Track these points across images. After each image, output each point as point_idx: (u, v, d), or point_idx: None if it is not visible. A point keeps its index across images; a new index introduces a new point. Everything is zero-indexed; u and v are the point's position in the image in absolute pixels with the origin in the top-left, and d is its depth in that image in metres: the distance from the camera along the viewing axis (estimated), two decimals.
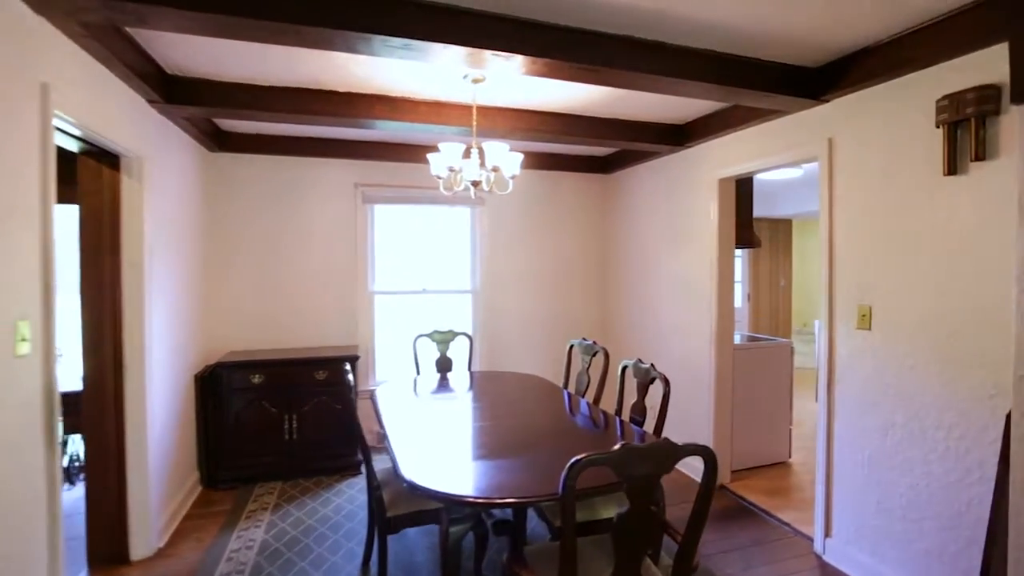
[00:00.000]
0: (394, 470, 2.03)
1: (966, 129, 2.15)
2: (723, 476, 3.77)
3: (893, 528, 2.50)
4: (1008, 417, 1.85)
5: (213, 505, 3.45)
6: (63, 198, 2.75)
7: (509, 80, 2.94)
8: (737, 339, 4.11)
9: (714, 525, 3.15)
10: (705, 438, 3.80)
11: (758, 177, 5.58)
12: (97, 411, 2.69)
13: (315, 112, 3.09)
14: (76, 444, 3.76)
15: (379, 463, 2.72)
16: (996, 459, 2.06)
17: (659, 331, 4.38)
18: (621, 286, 4.95)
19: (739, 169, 3.49)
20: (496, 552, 2.80)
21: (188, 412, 3.55)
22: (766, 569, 2.73)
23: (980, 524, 2.12)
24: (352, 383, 2.62)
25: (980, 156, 2.09)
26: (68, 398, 3.17)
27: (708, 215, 3.78)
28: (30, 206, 1.84)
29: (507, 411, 2.80)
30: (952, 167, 2.20)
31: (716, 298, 3.73)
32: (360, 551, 2.86)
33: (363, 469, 3.68)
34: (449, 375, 3.75)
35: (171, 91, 2.85)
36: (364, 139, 4.28)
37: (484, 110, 3.37)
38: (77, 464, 3.77)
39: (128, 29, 2.30)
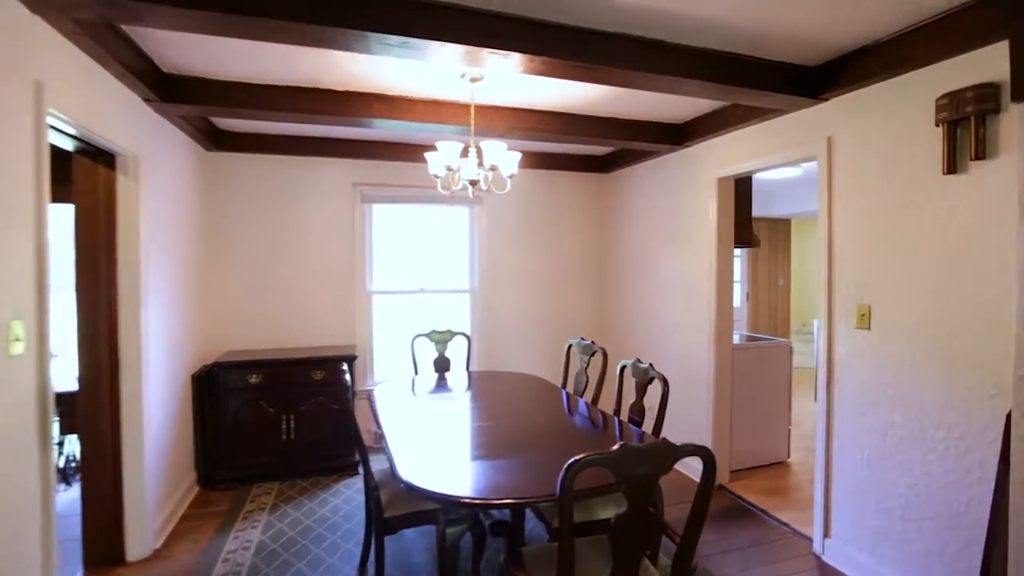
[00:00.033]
0: (391, 470, 2.01)
1: (966, 128, 2.14)
2: (722, 476, 3.76)
3: (892, 528, 2.49)
4: (1008, 417, 1.84)
5: (210, 506, 3.44)
6: (59, 197, 2.74)
7: (507, 79, 2.93)
8: (736, 339, 4.10)
9: (713, 525, 3.14)
10: (704, 438, 3.79)
11: (757, 177, 5.57)
12: (93, 411, 2.68)
13: (313, 111, 3.07)
14: (73, 445, 3.74)
15: (377, 463, 2.71)
16: (996, 459, 2.05)
17: (658, 331, 4.37)
18: (620, 286, 4.94)
19: (738, 168, 3.48)
20: (494, 553, 2.79)
21: (185, 412, 3.54)
22: (765, 570, 2.72)
23: (980, 524, 2.11)
24: (349, 383, 2.61)
25: (980, 155, 2.09)
26: (65, 398, 3.19)
27: (707, 214, 3.77)
28: (24, 205, 1.82)
29: (505, 411, 2.79)
30: (952, 166, 2.19)
31: (715, 298, 3.72)
32: (358, 552, 2.85)
33: (361, 469, 3.67)
34: (447, 375, 3.74)
35: (167, 89, 2.84)
36: (362, 138, 4.27)
37: (482, 109, 3.36)
38: (74, 465, 3.75)
39: (123, 27, 2.29)
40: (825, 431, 2.84)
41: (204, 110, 3.01)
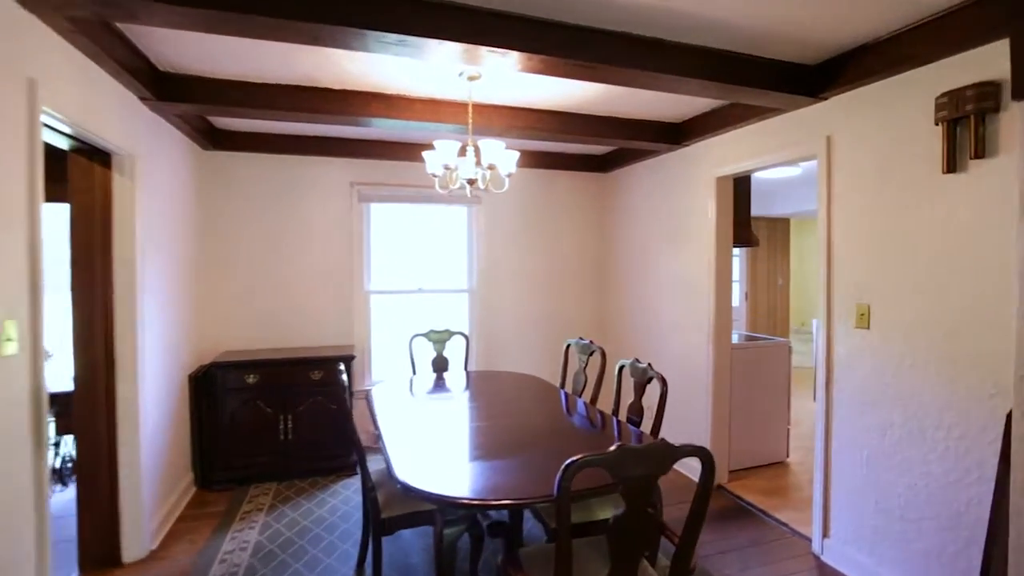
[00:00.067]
0: (388, 471, 2.00)
1: (965, 126, 2.13)
2: (721, 476, 3.75)
3: (892, 528, 2.48)
4: (1008, 416, 1.83)
5: (207, 506, 3.42)
6: (55, 196, 2.73)
7: (505, 77, 2.92)
8: (735, 338, 4.09)
9: (711, 525, 3.13)
10: (703, 438, 3.78)
11: (756, 176, 5.57)
12: (88, 411, 2.67)
13: (310, 110, 3.06)
14: (69, 445, 3.73)
15: (374, 464, 2.70)
16: (995, 459, 2.04)
17: (656, 330, 4.36)
18: (618, 285, 4.93)
19: (737, 168, 3.47)
20: (492, 553, 2.78)
21: (182, 412, 3.52)
22: (764, 570, 2.71)
23: (979, 524, 2.11)
24: (346, 383, 2.60)
25: (979, 154, 2.08)
26: (61, 399, 3.17)
27: (706, 214, 3.76)
28: (17, 204, 1.81)
29: (503, 411, 2.78)
30: (951, 165, 2.18)
31: (714, 297, 3.71)
32: (355, 552, 2.83)
33: (359, 470, 3.66)
34: (445, 375, 3.72)
35: (163, 88, 2.82)
36: (360, 137, 4.26)
37: (480, 108, 3.35)
38: (70, 465, 3.73)
39: (118, 25, 2.28)
40: (824, 431, 2.83)
41: (201, 109, 2.99)
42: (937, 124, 2.22)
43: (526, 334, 4.96)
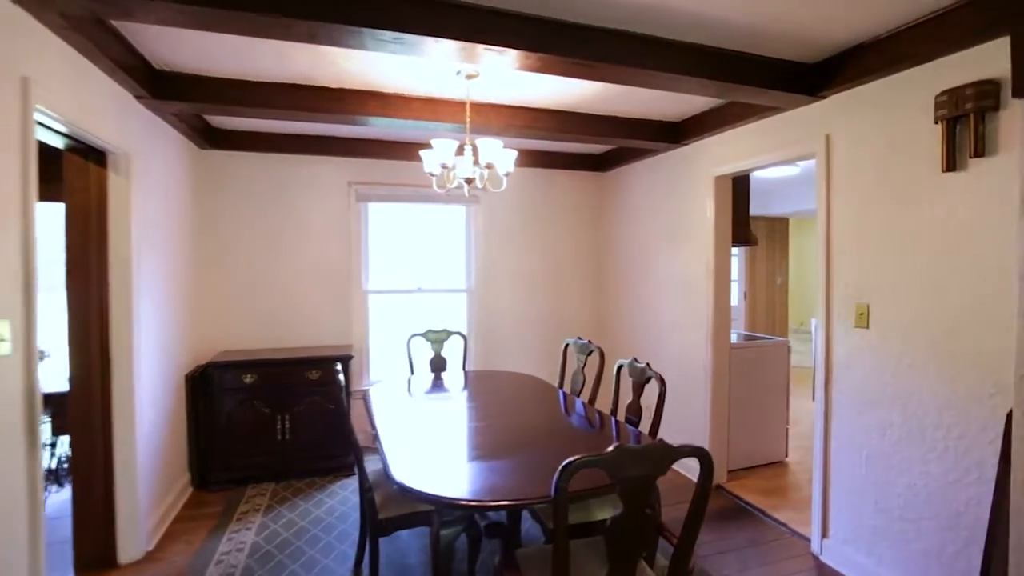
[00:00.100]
0: (385, 471, 1.99)
1: (965, 125, 2.12)
2: (719, 476, 3.74)
3: (891, 528, 2.47)
4: (1009, 416, 1.82)
5: (204, 507, 3.41)
6: (50, 196, 2.72)
7: (503, 76, 2.90)
8: (734, 338, 4.08)
9: (710, 525, 3.13)
10: (701, 437, 3.77)
11: (755, 175, 5.55)
12: (84, 411, 2.65)
13: (307, 109, 3.04)
14: (65, 446, 3.71)
15: (372, 464, 2.68)
16: (995, 459, 2.03)
17: (655, 330, 4.35)
18: (617, 285, 4.92)
19: (736, 167, 3.46)
20: (490, 554, 2.76)
21: (179, 412, 3.51)
22: (763, 570, 2.70)
23: (979, 524, 2.10)
24: (342, 383, 2.58)
25: (979, 152, 2.07)
26: (57, 399, 3.15)
27: (704, 213, 3.75)
28: (10, 203, 1.79)
29: (501, 411, 2.76)
30: (951, 163, 2.17)
31: (712, 297, 3.70)
32: (352, 553, 2.82)
33: (356, 470, 3.64)
34: (443, 375, 3.71)
35: (159, 86, 2.80)
36: (357, 136, 4.24)
37: (478, 106, 3.34)
38: (66, 466, 3.72)
39: (113, 22, 2.26)
40: (823, 431, 2.82)
41: (197, 107, 2.97)
42: (936, 123, 2.21)
43: (524, 334, 4.94)
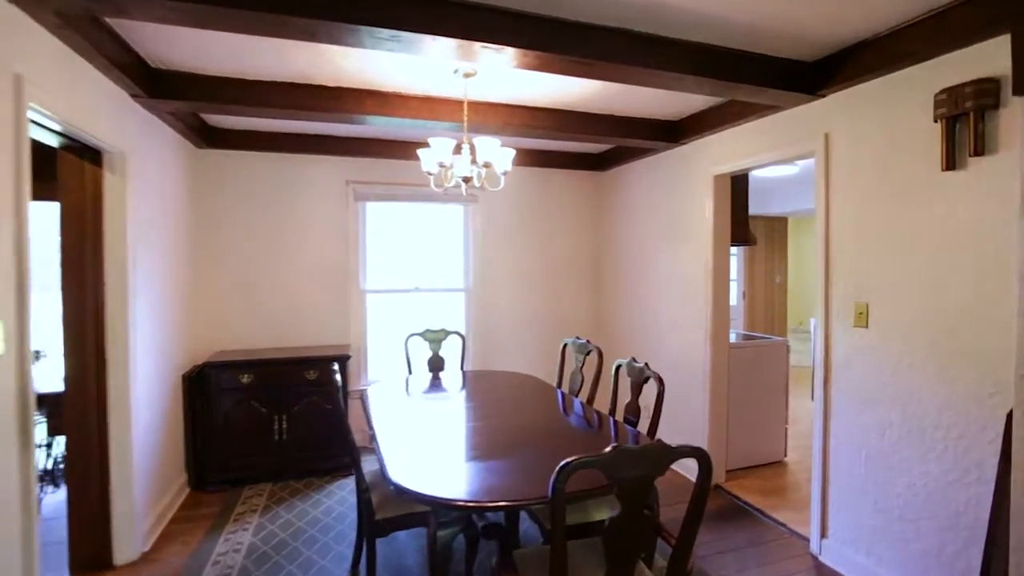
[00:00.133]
0: (382, 472, 1.98)
1: (965, 123, 2.11)
2: (718, 475, 3.73)
3: (890, 528, 2.46)
4: (1009, 416, 1.81)
5: (201, 507, 3.39)
6: (46, 195, 2.70)
7: (501, 74, 2.89)
8: (733, 337, 4.07)
9: (709, 526, 3.12)
10: (700, 437, 3.76)
11: (754, 175, 5.55)
12: (79, 412, 2.63)
13: (305, 107, 3.03)
14: (62, 446, 3.69)
15: (369, 464, 2.67)
16: (995, 459, 2.02)
17: (654, 330, 4.34)
18: (615, 284, 4.91)
19: (734, 166, 3.45)
20: (488, 555, 2.75)
21: (175, 412, 3.49)
22: (762, 570, 2.69)
23: (979, 525, 2.09)
24: (339, 383, 2.57)
25: (979, 151, 2.06)
26: (53, 399, 3.13)
27: (703, 212, 3.74)
28: (3, 202, 1.78)
29: (499, 411, 2.75)
30: (950, 162, 2.16)
31: (711, 296, 3.69)
32: (350, 554, 2.81)
33: (354, 470, 3.63)
34: (441, 374, 3.70)
35: (155, 85, 2.79)
36: (355, 135, 4.22)
37: (475, 105, 3.32)
38: (63, 466, 3.70)
39: (108, 20, 2.24)
40: (822, 430, 2.81)
41: (194, 106, 2.96)
42: (936, 121, 2.20)
43: (522, 333, 4.93)
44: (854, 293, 2.64)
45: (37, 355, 3.39)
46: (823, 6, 2.10)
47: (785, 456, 4.16)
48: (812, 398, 3.04)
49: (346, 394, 2.64)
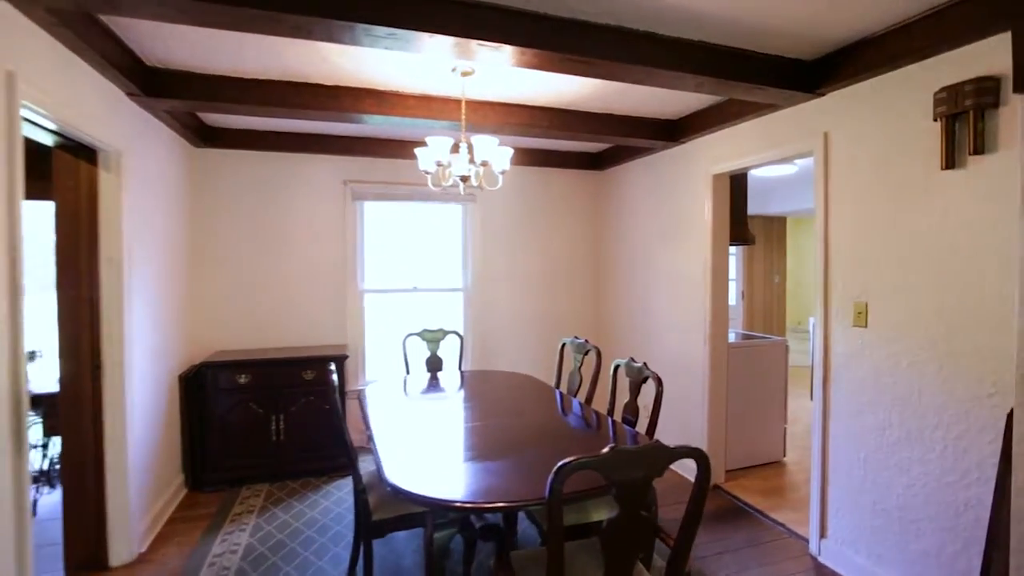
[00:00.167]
0: (378, 473, 1.96)
1: (964, 122, 2.10)
2: (717, 476, 3.72)
3: (890, 529, 2.45)
4: (1009, 416, 1.80)
5: (198, 508, 3.38)
6: (41, 194, 2.68)
7: (499, 73, 2.87)
8: (731, 337, 4.06)
9: (708, 526, 3.10)
10: (699, 437, 3.75)
11: (753, 174, 5.54)
12: (74, 412, 2.62)
13: (301, 106, 3.01)
14: (58, 447, 3.67)
15: (367, 465, 2.66)
16: (995, 459, 2.01)
17: (652, 329, 4.33)
18: (614, 284, 4.90)
19: (733, 165, 3.44)
20: (486, 556, 2.74)
21: (172, 413, 3.47)
22: (761, 571, 2.68)
23: (978, 525, 2.08)
24: (336, 383, 2.55)
25: (979, 149, 2.05)
26: (49, 400, 3.12)
27: (702, 212, 3.73)
28: None
29: (497, 411, 2.74)
30: (950, 161, 2.15)
31: (710, 296, 3.68)
32: (347, 555, 2.79)
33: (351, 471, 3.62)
34: (439, 374, 3.69)
35: (151, 83, 2.77)
36: (352, 134, 4.21)
37: (473, 104, 3.31)
38: (59, 467, 3.68)
39: (102, 18, 2.23)
40: (821, 430, 2.80)
41: (190, 105, 2.94)
42: (935, 120, 2.19)
43: (521, 333, 4.92)
44: (853, 292, 2.63)
45: (32, 355, 3.37)
46: (823, 5, 2.09)
47: (784, 456, 4.15)
48: (811, 398, 3.03)
49: (343, 394, 2.62)
